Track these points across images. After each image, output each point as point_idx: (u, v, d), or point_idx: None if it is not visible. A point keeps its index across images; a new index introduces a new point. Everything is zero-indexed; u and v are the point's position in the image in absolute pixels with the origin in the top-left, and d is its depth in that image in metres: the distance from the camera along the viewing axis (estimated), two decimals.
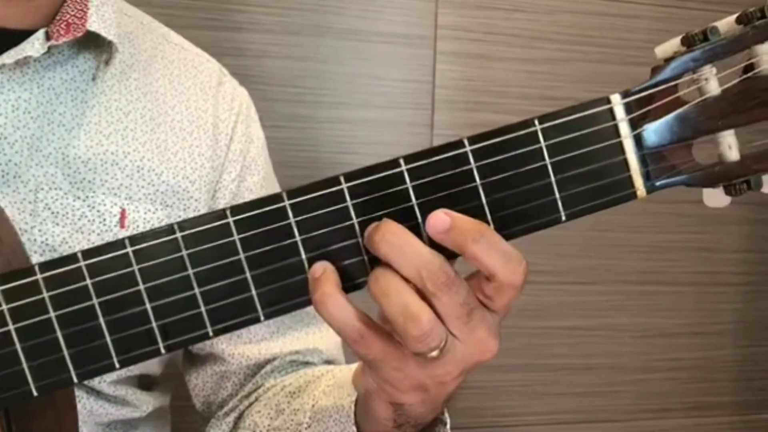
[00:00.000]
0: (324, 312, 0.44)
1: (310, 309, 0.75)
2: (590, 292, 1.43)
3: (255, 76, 0.83)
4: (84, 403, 0.66)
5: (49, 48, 0.63)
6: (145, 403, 0.73)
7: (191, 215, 0.65)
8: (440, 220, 0.43)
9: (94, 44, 0.67)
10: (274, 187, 0.81)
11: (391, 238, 0.43)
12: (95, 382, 0.67)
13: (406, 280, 0.43)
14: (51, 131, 0.64)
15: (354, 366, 0.61)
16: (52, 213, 0.63)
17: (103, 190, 0.66)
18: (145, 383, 0.74)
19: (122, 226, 0.66)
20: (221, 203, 0.74)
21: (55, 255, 0.43)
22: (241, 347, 0.75)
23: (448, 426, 0.57)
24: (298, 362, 0.76)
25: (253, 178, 0.78)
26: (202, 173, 0.72)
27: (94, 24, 0.65)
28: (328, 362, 0.78)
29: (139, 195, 0.68)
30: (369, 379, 0.50)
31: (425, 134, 1.32)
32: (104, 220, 0.65)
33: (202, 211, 0.72)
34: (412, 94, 1.31)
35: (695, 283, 1.49)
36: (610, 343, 1.45)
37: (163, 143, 0.70)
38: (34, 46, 0.62)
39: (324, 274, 0.44)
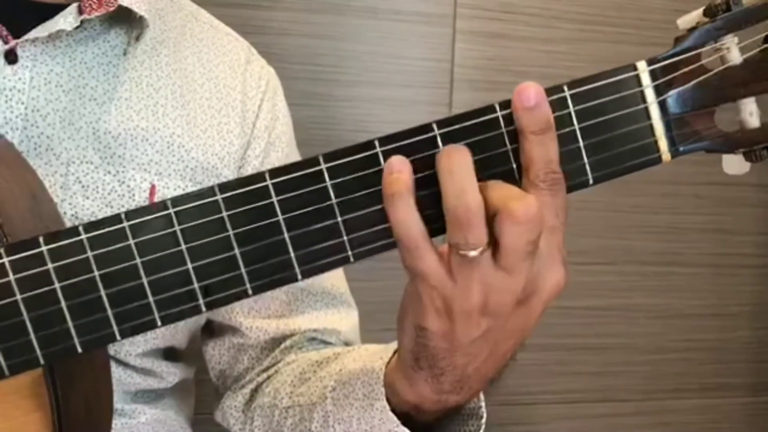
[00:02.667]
0: (392, 210, 0.44)
1: (332, 290, 0.78)
2: (607, 273, 1.44)
3: (275, 54, 0.84)
4: (113, 372, 0.68)
5: (81, 22, 0.64)
6: (171, 374, 0.74)
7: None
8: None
9: (125, 19, 0.68)
10: None
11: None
12: (123, 354, 0.68)
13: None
14: (83, 105, 0.66)
15: (389, 345, 0.60)
16: (83, 186, 0.64)
17: (133, 165, 0.67)
18: (171, 355, 0.75)
19: (152, 201, 0.67)
20: None
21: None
22: (259, 321, 0.76)
23: (483, 420, 0.56)
24: (317, 340, 0.77)
25: (277, 154, 0.79)
26: (230, 150, 0.74)
27: None
28: (347, 344, 0.78)
29: (169, 171, 0.69)
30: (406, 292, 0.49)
31: (444, 113, 1.32)
32: (134, 194, 0.66)
33: None
34: (431, 73, 1.32)
35: (712, 265, 1.49)
36: (626, 323, 1.46)
37: (193, 120, 0.72)
38: (67, 19, 0.63)
39: (402, 174, 0.44)
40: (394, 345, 0.57)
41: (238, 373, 0.78)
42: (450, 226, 0.43)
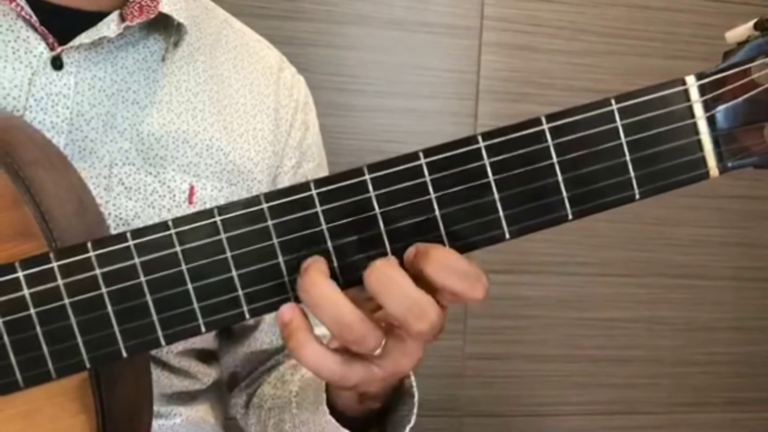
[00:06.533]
0: (301, 359, 0.45)
1: None
2: (631, 285, 1.43)
3: (302, 64, 0.85)
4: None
5: (123, 29, 0.65)
6: (206, 375, 0.76)
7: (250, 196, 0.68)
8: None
9: (163, 26, 0.69)
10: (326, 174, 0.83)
11: (380, 276, 0.43)
12: (162, 353, 0.69)
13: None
14: (125, 108, 0.67)
15: None
16: (126, 188, 0.65)
17: (174, 167, 0.68)
18: (205, 356, 0.76)
19: (190, 202, 0.68)
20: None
21: (128, 228, 0.45)
22: (275, 328, 0.78)
23: (416, 399, 0.59)
24: None
25: (309, 164, 0.80)
26: (264, 155, 0.74)
27: (165, 6, 0.67)
28: None
29: (207, 173, 0.70)
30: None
31: (469, 124, 1.34)
32: (174, 195, 0.68)
33: (264, 191, 0.74)
34: (457, 84, 1.32)
35: (736, 278, 1.49)
36: (650, 335, 1.46)
37: (230, 124, 0.73)
38: (110, 27, 0.65)
39: (295, 320, 0.44)
40: None
41: (246, 373, 0.81)
42: (348, 346, 0.44)
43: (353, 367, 0.45)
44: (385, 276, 0.43)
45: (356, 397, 0.55)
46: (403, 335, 0.45)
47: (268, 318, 0.78)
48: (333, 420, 0.58)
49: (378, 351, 0.45)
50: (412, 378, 0.59)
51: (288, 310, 0.44)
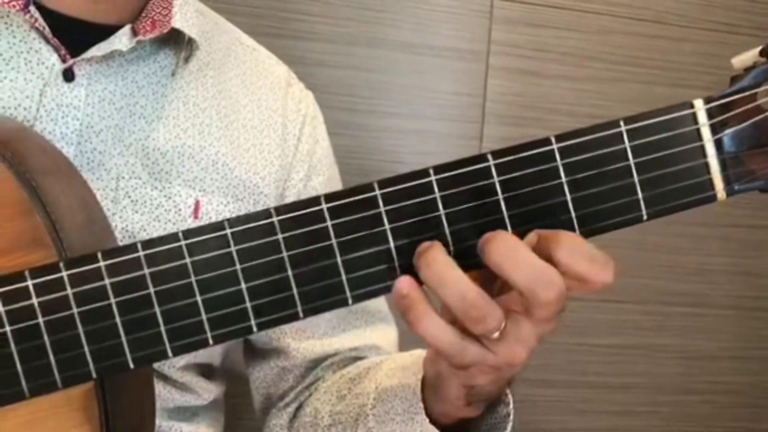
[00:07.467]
0: (420, 330, 0.45)
1: (372, 308, 0.79)
2: (632, 312, 1.43)
3: (312, 84, 0.85)
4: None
5: (135, 43, 0.66)
6: (207, 391, 0.75)
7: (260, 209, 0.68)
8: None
9: (174, 41, 0.70)
10: (338, 188, 0.83)
11: (503, 248, 0.43)
12: (165, 367, 0.69)
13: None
14: (133, 123, 0.67)
15: (416, 351, 0.64)
16: (132, 201, 0.66)
17: (179, 181, 0.68)
18: (207, 372, 0.76)
19: (195, 217, 0.69)
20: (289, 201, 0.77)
21: (135, 240, 0.45)
22: (306, 342, 0.77)
23: (510, 406, 0.58)
24: (356, 357, 0.79)
25: (319, 178, 0.80)
26: (271, 170, 0.75)
27: (177, 22, 0.68)
28: None
29: (213, 188, 0.70)
30: (443, 366, 0.52)
31: (474, 147, 1.34)
32: (179, 210, 0.68)
33: (271, 206, 0.74)
34: (463, 107, 1.33)
35: (737, 307, 1.49)
36: (650, 363, 1.45)
37: (236, 139, 0.73)
38: (122, 40, 0.65)
39: (411, 294, 0.44)
40: (420, 356, 0.60)
41: (282, 391, 0.79)
42: (468, 325, 0.44)
43: (471, 344, 0.45)
44: (507, 245, 0.43)
45: (463, 398, 0.53)
46: (520, 320, 0.44)
47: (302, 333, 0.77)
48: (433, 427, 0.57)
49: (496, 334, 0.44)
50: (510, 396, 0.58)
51: (405, 282, 0.44)
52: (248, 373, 0.81)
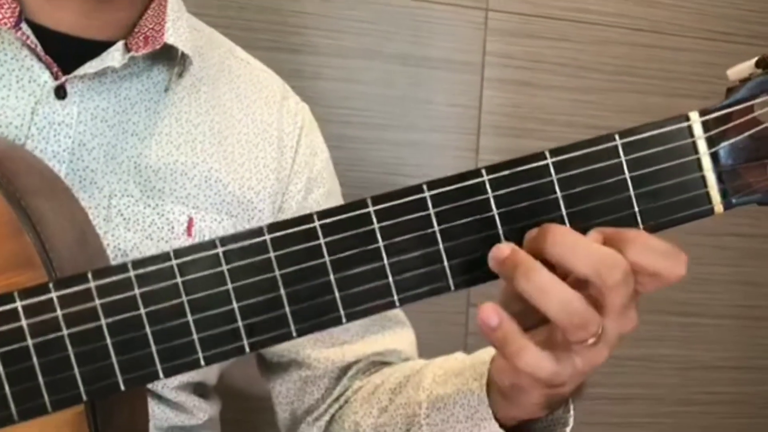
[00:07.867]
0: (521, 365, 0.43)
1: (388, 313, 0.78)
2: None
3: (308, 97, 0.85)
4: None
5: (128, 59, 0.65)
6: (202, 410, 0.74)
7: (255, 225, 0.67)
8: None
9: (167, 57, 0.69)
10: (339, 201, 0.82)
11: (563, 239, 0.42)
12: (159, 387, 0.68)
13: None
14: (125, 140, 0.66)
15: (459, 355, 0.64)
16: (124, 219, 0.65)
17: (172, 199, 0.68)
18: (201, 391, 0.75)
19: (189, 234, 0.68)
20: (288, 214, 0.76)
21: (127, 259, 0.45)
22: (325, 351, 0.76)
23: (570, 402, 0.57)
24: (378, 363, 0.77)
25: (320, 190, 0.79)
26: (266, 185, 0.74)
27: (170, 37, 0.68)
28: (406, 360, 0.79)
29: (206, 204, 0.69)
30: (524, 379, 0.49)
31: (470, 158, 1.34)
32: (172, 227, 0.67)
33: (266, 222, 0.73)
34: (459, 118, 1.33)
35: (736, 317, 1.48)
36: (649, 374, 1.44)
37: (230, 155, 0.72)
38: (114, 57, 0.65)
39: (504, 326, 0.43)
40: (477, 359, 0.60)
41: (309, 405, 0.78)
42: (568, 332, 0.42)
43: (564, 361, 0.44)
44: (562, 236, 0.42)
45: (542, 403, 0.51)
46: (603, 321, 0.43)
47: (319, 342, 0.76)
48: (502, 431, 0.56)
49: (592, 340, 0.43)
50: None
51: (492, 312, 0.43)
52: (269, 388, 0.80)
